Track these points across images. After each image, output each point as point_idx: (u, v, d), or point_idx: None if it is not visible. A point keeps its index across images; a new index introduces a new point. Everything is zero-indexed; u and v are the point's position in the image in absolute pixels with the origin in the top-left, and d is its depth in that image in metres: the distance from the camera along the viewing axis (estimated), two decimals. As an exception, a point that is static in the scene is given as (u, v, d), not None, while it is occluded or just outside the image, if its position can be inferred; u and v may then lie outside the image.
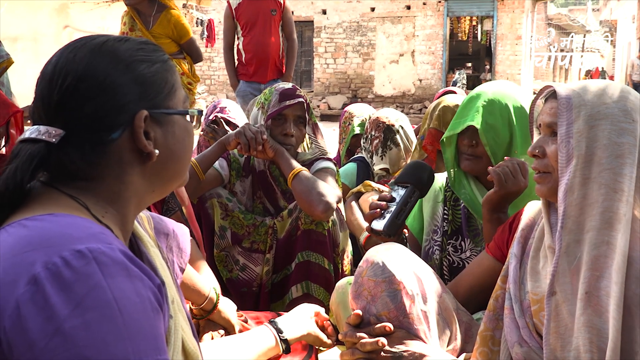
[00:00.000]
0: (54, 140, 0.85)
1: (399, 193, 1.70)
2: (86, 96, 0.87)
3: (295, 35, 5.09)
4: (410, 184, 1.70)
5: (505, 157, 1.81)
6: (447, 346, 1.47)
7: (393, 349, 1.36)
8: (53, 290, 0.70)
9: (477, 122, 1.87)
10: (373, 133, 3.03)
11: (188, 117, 1.01)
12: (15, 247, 0.75)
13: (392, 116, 3.04)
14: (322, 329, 1.66)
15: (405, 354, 1.35)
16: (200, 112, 1.06)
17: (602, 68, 29.76)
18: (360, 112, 3.52)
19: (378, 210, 1.67)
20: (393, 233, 1.65)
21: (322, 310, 1.68)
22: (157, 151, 0.92)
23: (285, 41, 5.03)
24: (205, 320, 1.76)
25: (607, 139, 1.22)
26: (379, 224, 1.65)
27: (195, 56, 4.71)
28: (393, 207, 1.66)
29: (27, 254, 0.73)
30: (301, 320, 1.60)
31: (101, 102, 0.87)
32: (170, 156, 0.96)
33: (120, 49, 0.92)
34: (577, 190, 1.23)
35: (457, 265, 1.98)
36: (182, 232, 1.33)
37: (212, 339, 1.71)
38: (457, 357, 1.47)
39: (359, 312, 1.41)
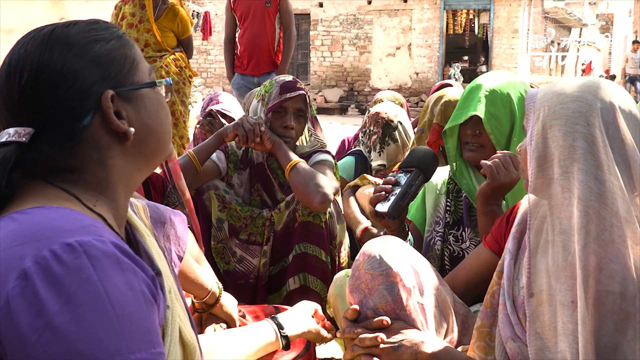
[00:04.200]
0: (24, 139, 0.83)
1: (403, 177, 1.70)
2: (47, 88, 0.84)
3: (294, 27, 4.95)
4: (415, 167, 1.71)
5: (497, 151, 1.82)
6: (444, 338, 1.47)
7: (391, 340, 1.36)
8: (43, 285, 0.69)
9: (480, 112, 1.88)
10: (372, 128, 3.02)
11: (162, 89, 0.98)
12: (4, 241, 0.74)
13: (392, 111, 3.03)
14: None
15: (403, 342, 1.36)
16: (169, 81, 1.01)
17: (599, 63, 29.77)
18: (390, 98, 3.58)
19: (383, 193, 1.67)
20: (397, 215, 1.65)
21: (319, 308, 1.69)
22: (132, 129, 0.90)
23: (283, 33, 4.93)
24: (207, 314, 1.76)
25: (562, 140, 1.18)
26: (383, 206, 1.65)
27: (190, 53, 4.84)
28: (397, 191, 1.67)
29: (16, 248, 0.72)
30: (302, 317, 1.60)
31: (63, 91, 0.85)
32: (148, 131, 0.93)
33: (71, 33, 0.89)
34: (542, 192, 1.22)
35: (458, 254, 2.00)
36: (179, 220, 1.31)
37: (215, 331, 1.72)
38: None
39: (356, 307, 1.41)
